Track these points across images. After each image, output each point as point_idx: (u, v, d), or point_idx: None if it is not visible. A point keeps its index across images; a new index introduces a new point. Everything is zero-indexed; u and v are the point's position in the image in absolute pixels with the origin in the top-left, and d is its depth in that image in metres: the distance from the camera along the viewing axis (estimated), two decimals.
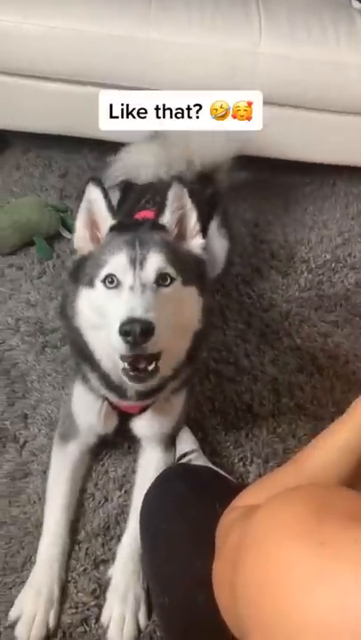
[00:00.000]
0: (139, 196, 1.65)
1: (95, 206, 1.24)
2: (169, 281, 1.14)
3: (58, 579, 1.23)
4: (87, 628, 1.19)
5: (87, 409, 1.39)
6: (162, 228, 1.24)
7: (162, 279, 1.13)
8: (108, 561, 1.29)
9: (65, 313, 1.28)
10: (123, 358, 1.10)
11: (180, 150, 1.85)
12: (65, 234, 2.06)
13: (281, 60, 2.05)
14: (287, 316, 1.93)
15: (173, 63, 2.01)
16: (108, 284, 1.13)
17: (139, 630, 1.19)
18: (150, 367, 1.10)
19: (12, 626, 1.17)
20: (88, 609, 1.22)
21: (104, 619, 1.20)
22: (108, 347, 1.16)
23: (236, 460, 1.51)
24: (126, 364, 1.10)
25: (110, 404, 1.36)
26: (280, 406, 1.66)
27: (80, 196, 1.27)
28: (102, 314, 1.15)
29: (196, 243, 1.29)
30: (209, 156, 1.86)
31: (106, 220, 1.24)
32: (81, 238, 1.27)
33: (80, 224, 1.26)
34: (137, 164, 1.83)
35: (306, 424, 1.62)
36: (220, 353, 1.78)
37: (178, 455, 1.41)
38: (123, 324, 1.03)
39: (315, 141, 2.32)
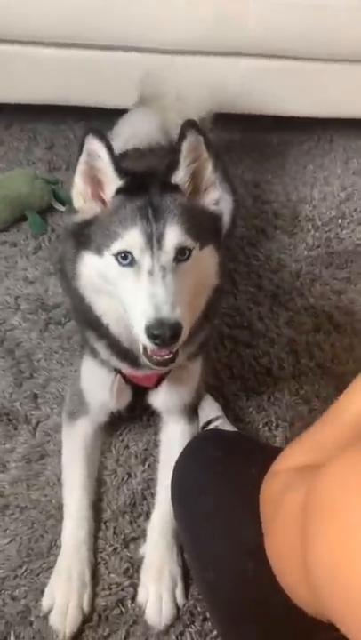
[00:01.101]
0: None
1: (98, 162, 1.09)
2: (187, 254, 1.05)
3: (87, 561, 1.17)
4: (123, 610, 1.12)
5: (98, 385, 1.30)
6: (174, 188, 1.10)
7: (180, 254, 1.04)
8: (138, 538, 1.22)
9: (64, 272, 1.16)
10: (146, 349, 1.05)
11: (174, 114, 1.75)
12: (57, 206, 1.96)
13: (270, 7, 1.94)
14: (298, 275, 1.85)
15: (154, 16, 1.90)
16: (121, 259, 1.04)
17: (177, 608, 1.13)
18: (173, 352, 1.05)
19: (46, 615, 1.10)
20: (122, 589, 1.15)
21: (140, 599, 1.13)
22: (115, 311, 1.10)
23: (260, 425, 1.44)
24: (148, 351, 1.05)
25: (123, 377, 1.27)
26: (300, 367, 1.59)
27: (72, 161, 1.13)
28: (113, 284, 1.07)
29: (211, 197, 1.15)
30: (192, 111, 1.75)
31: (112, 182, 1.09)
32: (81, 196, 1.12)
33: (80, 180, 1.11)
34: (135, 134, 1.72)
35: (328, 383, 1.56)
36: (233, 318, 1.70)
37: (202, 422, 1.34)
38: (150, 327, 0.97)
39: (308, 94, 2.23)
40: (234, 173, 2.10)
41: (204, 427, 1.33)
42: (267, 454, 0.92)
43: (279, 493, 0.80)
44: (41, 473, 1.32)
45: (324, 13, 1.97)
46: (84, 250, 1.10)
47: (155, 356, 1.05)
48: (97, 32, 1.96)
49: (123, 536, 1.23)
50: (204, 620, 1.11)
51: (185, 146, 1.07)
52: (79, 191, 1.12)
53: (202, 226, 1.10)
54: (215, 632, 1.09)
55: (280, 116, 2.30)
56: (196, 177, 1.13)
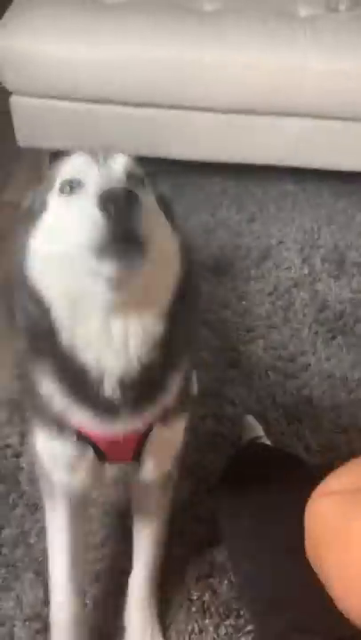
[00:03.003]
0: None
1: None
2: (141, 184, 0.85)
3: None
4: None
5: (60, 464, 1.00)
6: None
7: (133, 183, 0.83)
8: None
9: (17, 279, 0.88)
10: (98, 253, 0.75)
11: None
12: None
13: (327, 75, 2.15)
14: (341, 315, 1.99)
15: (226, 84, 2.15)
16: (64, 193, 0.83)
17: None
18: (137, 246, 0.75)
19: None
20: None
21: None
22: (64, 282, 0.81)
23: (300, 450, 1.57)
24: (106, 258, 0.75)
25: (92, 447, 0.95)
26: (339, 400, 1.72)
27: None
28: (61, 233, 0.81)
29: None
30: None
31: None
32: None
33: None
34: None
35: None
36: (278, 351, 1.86)
37: (245, 441, 1.48)
38: (99, 197, 0.74)
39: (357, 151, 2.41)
40: (289, 219, 2.31)
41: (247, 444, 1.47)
42: (306, 466, 1.05)
43: (342, 519, 0.84)
44: None
45: None
46: (30, 223, 0.87)
47: (113, 256, 0.74)
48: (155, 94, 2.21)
49: None
50: (238, 616, 1.23)
51: None
52: None
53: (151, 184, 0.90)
54: (248, 628, 1.21)
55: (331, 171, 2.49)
56: None
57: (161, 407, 0.90)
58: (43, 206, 0.86)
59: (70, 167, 0.85)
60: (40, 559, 1.32)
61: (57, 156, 0.93)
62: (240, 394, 1.71)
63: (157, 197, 0.90)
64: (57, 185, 0.84)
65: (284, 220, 2.40)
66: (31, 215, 0.88)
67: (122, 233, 0.74)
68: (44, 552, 1.32)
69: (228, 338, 1.89)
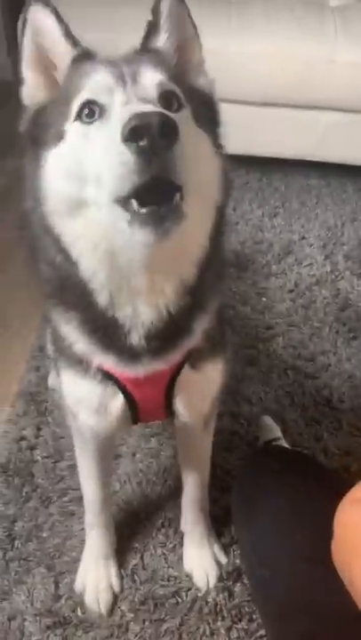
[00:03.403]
0: None
1: (47, 38, 0.81)
2: (176, 106, 0.74)
3: (111, 545, 1.30)
4: (179, 600, 1.24)
5: (85, 406, 0.97)
6: (155, 51, 0.85)
7: (167, 101, 0.73)
8: None
9: (27, 214, 0.81)
10: (129, 195, 0.66)
11: None
12: None
13: (357, 67, 2.10)
14: None
15: (253, 74, 2.10)
16: (85, 118, 0.73)
17: (220, 568, 1.30)
18: (173, 200, 0.67)
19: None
20: (180, 582, 1.27)
21: (187, 568, 1.29)
22: (89, 234, 0.75)
23: (317, 452, 1.54)
24: (135, 204, 0.66)
25: (123, 393, 0.92)
26: (360, 402, 1.68)
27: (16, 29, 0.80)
28: (82, 172, 0.71)
29: (203, 79, 0.87)
30: None
31: (65, 53, 0.82)
32: (32, 88, 0.83)
33: (29, 70, 0.83)
34: None
35: None
36: (297, 349, 1.82)
37: (262, 442, 1.45)
38: (127, 123, 0.63)
39: None
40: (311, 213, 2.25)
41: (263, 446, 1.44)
42: (324, 472, 1.02)
43: None
44: (113, 472, 1.46)
45: None
46: (45, 148, 0.77)
47: (144, 210, 0.66)
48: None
49: (182, 535, 1.35)
50: (250, 620, 1.21)
51: (164, 5, 0.83)
52: (31, 86, 0.83)
53: (194, 98, 0.81)
54: (260, 633, 1.19)
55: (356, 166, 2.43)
56: (181, 56, 0.86)
57: (185, 349, 0.88)
58: (59, 135, 0.75)
59: (90, 87, 0.73)
60: (52, 554, 1.32)
61: (77, 59, 0.82)
62: (258, 392, 1.68)
63: (194, 109, 0.78)
64: (74, 109, 0.73)
65: (306, 216, 2.35)
66: (44, 138, 0.77)
67: (156, 175, 0.64)
68: (57, 547, 1.33)
69: (247, 334, 1.86)
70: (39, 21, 0.81)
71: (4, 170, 2.41)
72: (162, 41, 0.85)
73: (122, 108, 0.70)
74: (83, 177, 0.71)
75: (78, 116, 0.73)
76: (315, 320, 1.92)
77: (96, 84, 0.73)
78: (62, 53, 0.82)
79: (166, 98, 0.73)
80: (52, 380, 1.65)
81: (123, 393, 0.92)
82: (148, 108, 0.66)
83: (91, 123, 0.72)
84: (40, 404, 1.63)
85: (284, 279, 2.07)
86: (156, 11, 0.84)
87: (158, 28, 0.84)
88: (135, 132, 0.62)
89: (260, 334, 1.87)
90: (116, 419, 0.96)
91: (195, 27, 0.87)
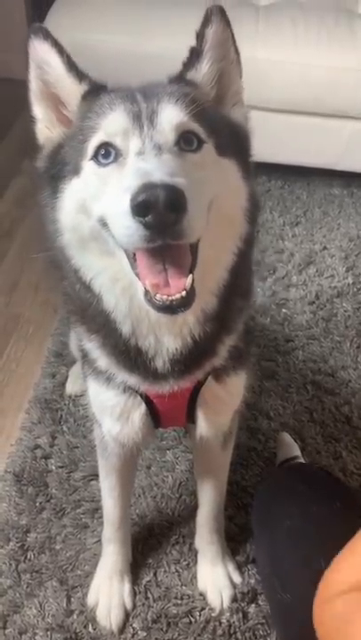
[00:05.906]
0: None
1: (51, 73, 0.82)
2: (196, 144, 0.74)
3: (126, 562, 1.28)
4: (192, 619, 1.22)
5: (108, 414, 0.98)
6: (187, 82, 0.83)
7: (186, 141, 0.74)
8: None
9: (52, 246, 0.82)
10: (146, 286, 0.70)
11: None
12: None
13: None
14: None
15: (280, 82, 2.06)
16: (101, 159, 0.74)
17: (234, 587, 1.28)
18: (186, 283, 0.69)
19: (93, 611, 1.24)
20: (193, 601, 1.25)
21: (201, 587, 1.27)
22: (107, 268, 0.78)
23: (336, 471, 1.51)
24: (147, 283, 0.70)
25: (146, 402, 0.94)
26: None
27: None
28: (95, 201, 0.74)
29: (239, 111, 0.86)
30: None
31: (74, 92, 0.82)
32: (45, 126, 0.84)
33: (39, 108, 0.84)
34: None
35: None
36: (317, 364, 1.79)
37: (280, 460, 1.42)
38: (135, 195, 0.64)
39: None
40: (334, 223, 2.21)
41: (281, 464, 1.41)
42: (346, 490, 0.98)
43: (344, 622, 0.80)
44: None
45: None
46: (61, 183, 0.79)
47: (159, 295, 0.69)
48: None
49: (195, 553, 1.33)
50: None
51: (210, 33, 0.80)
52: (44, 123, 0.85)
53: (222, 130, 0.80)
54: None
55: None
56: (220, 83, 0.85)
57: (210, 368, 0.90)
58: (76, 170, 0.77)
59: (106, 129, 0.74)
60: (65, 567, 1.30)
61: (91, 92, 0.82)
62: (276, 407, 1.65)
63: (222, 140, 0.78)
64: (90, 148, 0.75)
65: (329, 225, 2.32)
66: (61, 173, 0.79)
67: (165, 242, 0.66)
68: (70, 560, 1.32)
69: (266, 347, 1.83)
70: (41, 56, 0.81)
71: (25, 170, 2.41)
72: (203, 70, 0.83)
73: (135, 159, 0.70)
74: (96, 211, 0.74)
75: (94, 156, 0.75)
76: (335, 334, 1.88)
77: (112, 126, 0.74)
78: (69, 88, 0.82)
79: (185, 138, 0.74)
80: (70, 387, 1.63)
81: (146, 403, 0.94)
82: (157, 177, 0.65)
83: (106, 165, 0.74)
84: (55, 412, 1.61)
85: (305, 290, 2.03)
86: (201, 37, 0.82)
87: (202, 56, 0.83)
88: (142, 207, 0.63)
89: (280, 347, 1.84)
90: (140, 427, 0.98)
91: (237, 52, 0.84)
